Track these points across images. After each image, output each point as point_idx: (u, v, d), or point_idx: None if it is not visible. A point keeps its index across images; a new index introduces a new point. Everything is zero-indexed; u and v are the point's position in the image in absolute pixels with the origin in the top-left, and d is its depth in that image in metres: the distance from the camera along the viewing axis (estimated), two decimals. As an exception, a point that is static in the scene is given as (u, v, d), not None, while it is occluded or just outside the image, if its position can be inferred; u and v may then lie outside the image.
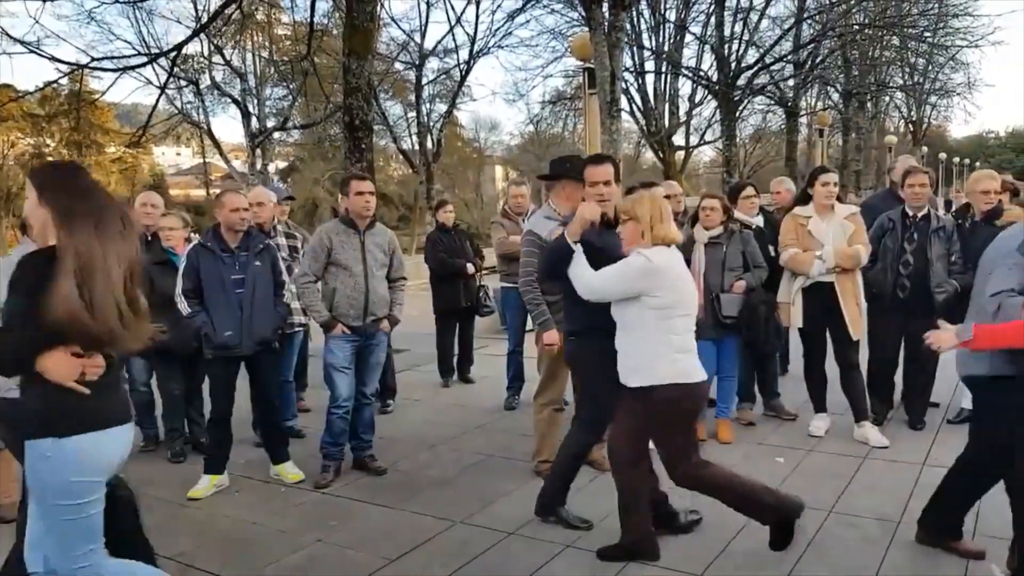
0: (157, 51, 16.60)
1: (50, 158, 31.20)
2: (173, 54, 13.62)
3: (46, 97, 23.78)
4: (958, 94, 34.51)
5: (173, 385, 5.36)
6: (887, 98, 36.97)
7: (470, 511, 4.20)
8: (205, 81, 22.16)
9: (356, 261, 4.78)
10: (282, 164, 34.43)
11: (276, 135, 24.59)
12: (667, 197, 5.32)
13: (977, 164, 39.69)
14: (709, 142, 29.93)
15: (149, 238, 5.48)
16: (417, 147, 25.00)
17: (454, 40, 24.41)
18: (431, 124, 24.47)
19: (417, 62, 23.41)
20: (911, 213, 5.26)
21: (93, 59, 12.90)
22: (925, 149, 41.10)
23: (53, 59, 11.23)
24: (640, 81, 25.66)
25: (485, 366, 7.64)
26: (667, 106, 26.60)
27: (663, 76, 26.23)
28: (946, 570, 3.37)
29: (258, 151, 21.82)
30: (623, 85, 13.92)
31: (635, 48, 24.31)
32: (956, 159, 50.05)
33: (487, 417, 6.21)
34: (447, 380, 7.38)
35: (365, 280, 4.77)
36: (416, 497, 4.50)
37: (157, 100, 16.41)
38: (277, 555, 3.81)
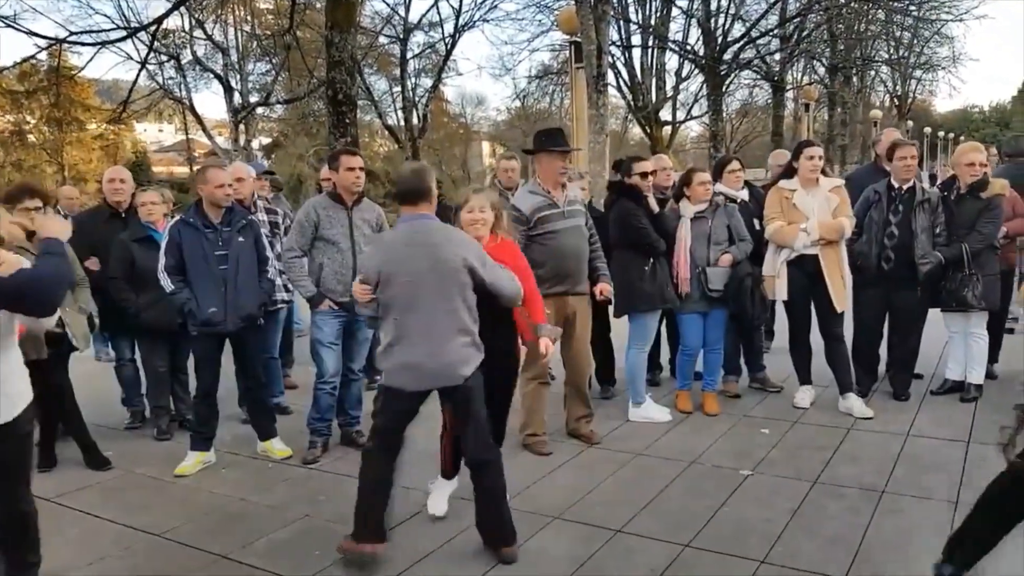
0: (137, 25, 16.33)
1: (31, 136, 30.82)
2: (153, 28, 13.45)
3: (25, 73, 23.36)
4: (943, 68, 34.59)
5: (158, 362, 5.32)
6: (872, 72, 37.02)
7: (459, 483, 4.19)
8: (186, 56, 21.91)
9: (343, 236, 4.73)
10: (266, 140, 34.07)
11: (259, 110, 24.34)
12: (655, 172, 5.36)
13: (961, 138, 39.85)
14: (696, 117, 29.94)
15: (123, 214, 5.42)
16: (403, 122, 24.84)
17: (439, 13, 24.18)
18: (416, 99, 24.31)
19: (402, 36, 23.21)
20: (897, 186, 5.26)
21: (72, 33, 12.71)
22: (910, 123, 41.23)
23: (31, 33, 11.06)
24: (627, 55, 25.56)
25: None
26: (654, 81, 26.53)
27: (650, 50, 26.11)
28: (932, 539, 3.41)
29: (241, 127, 21.60)
30: (610, 59, 13.84)
31: (621, 22, 24.16)
32: (941, 133, 50.25)
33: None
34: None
35: (353, 256, 4.73)
36: (404, 471, 4.46)
37: (137, 75, 16.16)
38: (265, 530, 3.81)
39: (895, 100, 43.08)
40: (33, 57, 14.11)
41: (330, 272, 4.71)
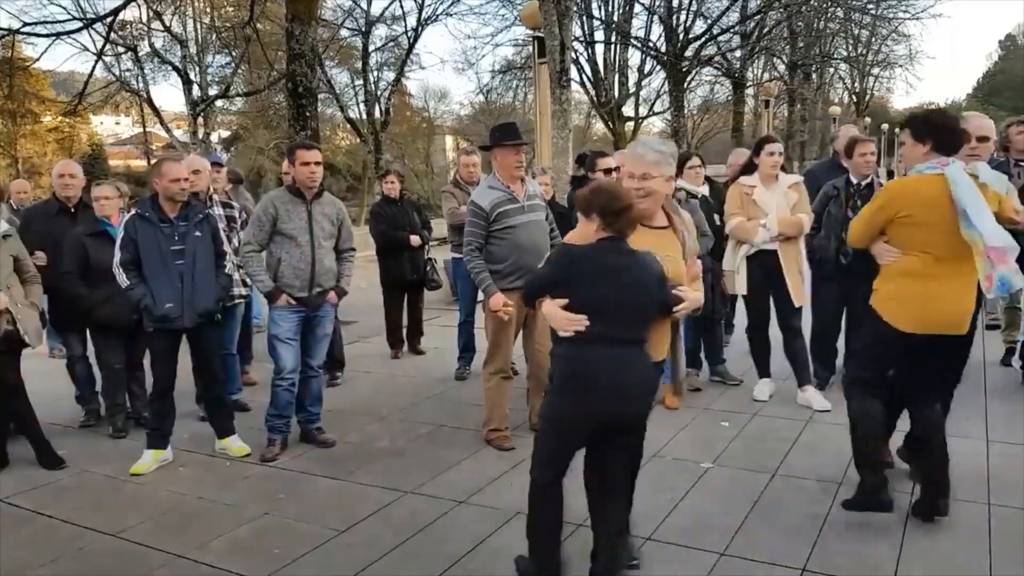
0: (93, 16, 15.96)
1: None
2: (110, 19, 13.16)
3: (-26, 64, 22.70)
4: (900, 66, 35.31)
5: (113, 359, 5.20)
6: (831, 69, 37.65)
7: (420, 481, 4.19)
8: (144, 48, 21.47)
9: (302, 231, 4.66)
10: (225, 133, 33.55)
11: (219, 103, 23.96)
12: (618, 168, 5.37)
13: (917, 135, 40.46)
14: (658, 113, 30.11)
15: (73, 209, 5.30)
16: (365, 116, 24.63)
17: (401, 7, 24.01)
18: (379, 93, 24.13)
19: (364, 29, 23.00)
20: (855, 181, 5.34)
21: (25, 24, 12.41)
22: (868, 120, 41.95)
23: (-20, 23, 10.74)
24: (590, 51, 25.66)
25: (436, 337, 7.59)
26: (617, 76, 26.66)
27: (613, 46, 26.23)
28: (888, 527, 3.47)
29: (200, 120, 21.24)
30: (573, 55, 13.85)
31: (585, 17, 24.23)
32: (898, 129, 51.20)
33: (438, 388, 6.18)
34: (397, 351, 7.30)
35: (312, 251, 4.67)
36: (365, 468, 4.46)
37: (93, 67, 15.92)
38: (224, 529, 3.74)
39: (854, 97, 43.83)
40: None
41: (288, 267, 4.64)
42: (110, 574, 3.39)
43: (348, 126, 27.50)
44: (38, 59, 17.67)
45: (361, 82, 24.93)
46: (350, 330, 7.84)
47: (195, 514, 3.97)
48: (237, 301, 5.56)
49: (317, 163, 4.71)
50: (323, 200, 4.80)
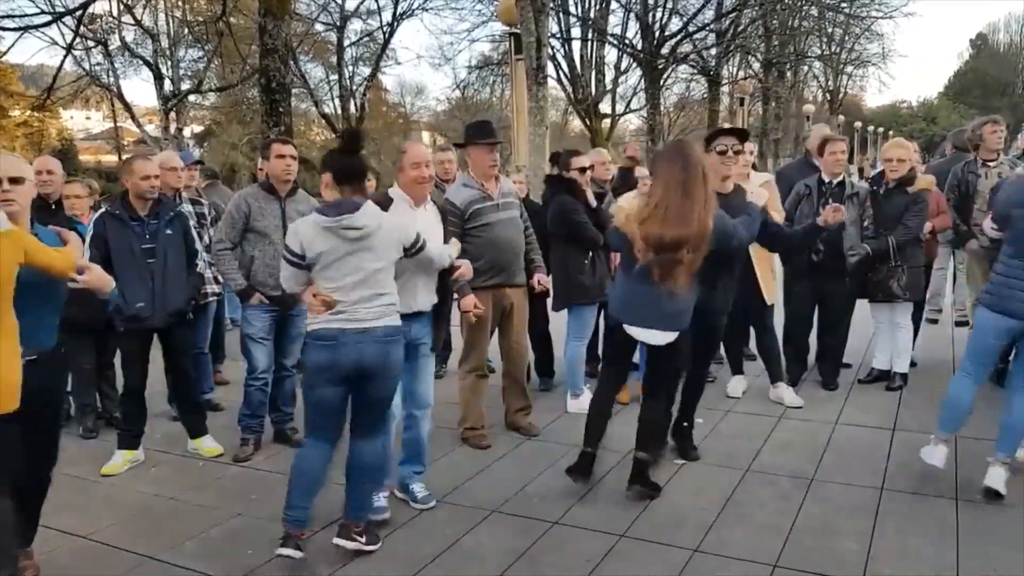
0: (62, 10, 15.71)
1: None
2: (79, 13, 12.97)
3: (-60, 56, 22.24)
4: (873, 64, 35.72)
5: (83, 359, 5.13)
6: (806, 68, 37.99)
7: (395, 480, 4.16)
8: (115, 42, 21.15)
9: (276, 229, 4.63)
10: (198, 128, 33.17)
11: (191, 98, 23.70)
12: (592, 167, 5.39)
13: (890, 133, 41.20)
14: (634, 110, 30.26)
15: (53, 206, 5.22)
16: (340, 111, 24.47)
17: (376, 2, 23.86)
18: (354, 88, 23.98)
19: (338, 23, 22.84)
20: (827, 180, 5.41)
21: (-9, 16, 12.18)
22: (842, 118, 42.42)
23: (-55, 15, 10.54)
24: (567, 48, 25.68)
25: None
26: (593, 73, 26.72)
27: (589, 43, 26.28)
28: (858, 523, 3.53)
29: (172, 115, 20.98)
30: (550, 51, 13.89)
31: (561, 14, 24.25)
32: (871, 127, 51.85)
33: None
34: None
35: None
36: (340, 468, 4.38)
37: (62, 61, 15.64)
38: (196, 530, 3.72)
39: (827, 95, 44.27)
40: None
41: (261, 265, 4.61)
42: (87, 570, 3.36)
43: (323, 121, 27.34)
44: (6, 53, 17.34)
45: (336, 77, 24.80)
46: None
47: (167, 515, 3.94)
48: (210, 299, 5.51)
49: (293, 157, 4.71)
50: (297, 198, 4.77)
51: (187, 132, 26.48)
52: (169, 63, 22.05)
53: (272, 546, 3.40)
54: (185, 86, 22.42)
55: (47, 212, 5.20)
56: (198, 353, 5.36)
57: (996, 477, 3.68)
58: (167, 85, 21.43)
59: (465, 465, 4.41)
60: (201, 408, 4.98)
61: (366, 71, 25.38)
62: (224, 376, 6.25)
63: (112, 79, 21.91)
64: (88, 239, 4.43)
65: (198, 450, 4.76)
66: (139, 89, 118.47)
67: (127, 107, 23.08)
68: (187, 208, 5.34)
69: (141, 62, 21.55)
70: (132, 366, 4.54)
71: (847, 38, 34.89)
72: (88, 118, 40.41)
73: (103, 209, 4.59)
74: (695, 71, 28.84)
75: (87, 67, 21.33)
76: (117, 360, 4.92)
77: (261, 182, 4.80)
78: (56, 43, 17.74)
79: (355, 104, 23.89)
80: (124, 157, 20.81)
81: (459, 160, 6.34)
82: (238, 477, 4.43)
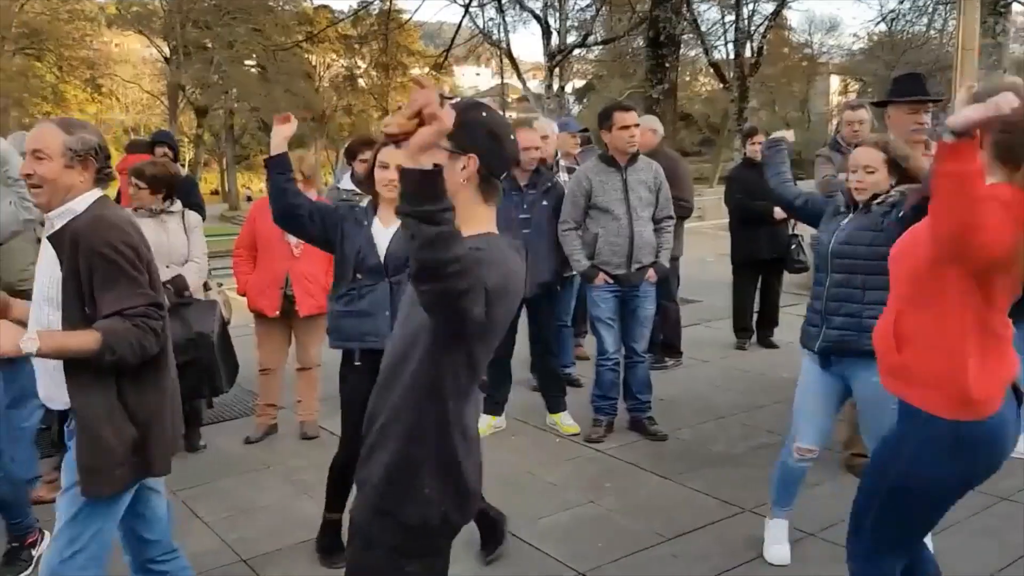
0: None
1: (360, 80, 34.87)
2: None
3: (359, 18, 26.31)
4: None
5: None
6: None
7: (761, 499, 3.88)
8: (508, -4, 22.96)
9: (618, 202, 4.71)
10: (579, 83, 34.99)
11: (575, 52, 24.94)
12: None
13: None
14: None
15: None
16: (732, 57, 23.95)
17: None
18: (752, 29, 23.20)
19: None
20: None
21: (401, -21, 14.00)
22: None
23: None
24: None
25: (793, 329, 7.15)
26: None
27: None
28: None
29: (555, 70, 22.34)
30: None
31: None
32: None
33: (788, 391, 5.74)
34: (743, 342, 7.05)
35: (629, 223, 4.71)
36: (698, 472, 4.43)
37: (462, 19, 17.42)
38: (549, 509, 4.00)
39: None
40: (369, 3, 15.81)
41: (604, 243, 4.72)
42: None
43: (711, 70, 27.01)
44: (415, 13, 19.98)
45: (732, 18, 24.19)
46: (691, 310, 7.68)
47: (523, 488, 4.29)
48: (575, 272, 5.83)
49: (636, 125, 4.74)
50: (638, 165, 4.80)
51: (568, 87, 28.04)
52: (557, 15, 23.41)
53: (618, 544, 3.52)
54: (571, 39, 23.66)
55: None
56: (560, 326, 5.70)
57: None
58: (554, 39, 22.82)
59: (848, 494, 4.06)
60: (561, 382, 5.32)
61: (769, 7, 24.33)
62: (585, 351, 6.58)
63: (502, 34, 23.97)
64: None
65: (556, 425, 5.10)
66: (525, 44, 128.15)
67: (513, 63, 25.10)
68: (563, 177, 5.67)
69: (531, 15, 23.21)
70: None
71: None
72: (477, 75, 44.95)
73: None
74: None
75: (480, 23, 23.58)
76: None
77: (600, 154, 4.90)
78: (455, 1, 19.88)
79: (751, 47, 23.10)
80: (510, 115, 22.76)
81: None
82: (592, 461, 4.66)
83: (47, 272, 2.37)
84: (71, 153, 2.37)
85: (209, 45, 31.48)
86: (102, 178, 2.47)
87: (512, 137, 1.88)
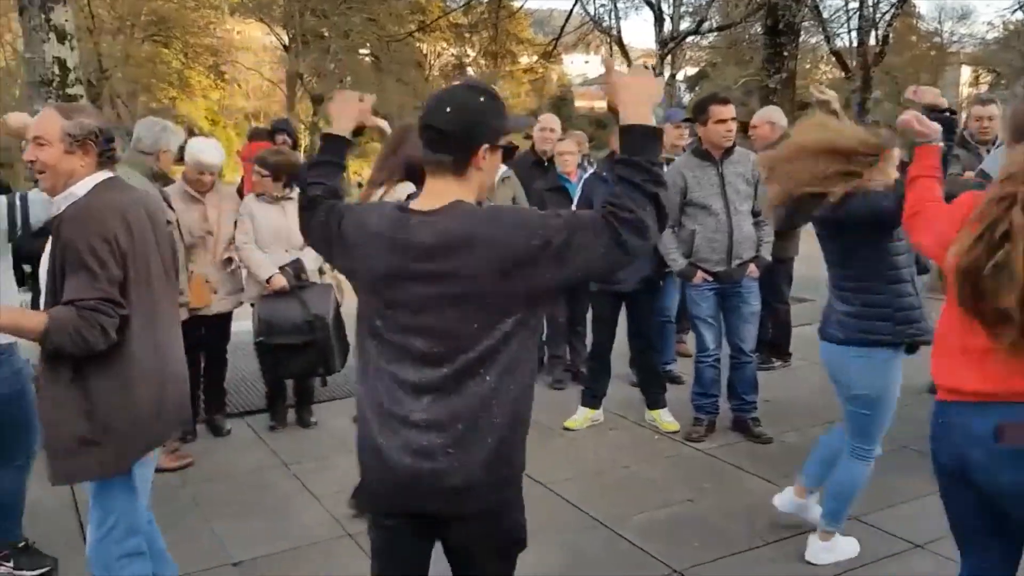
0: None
1: (469, 68, 35.19)
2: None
3: (470, 7, 26.54)
4: None
5: (558, 311, 5.80)
6: None
7: (865, 509, 3.82)
8: (621, -18, 22.75)
9: (716, 197, 4.65)
10: (691, 71, 34.33)
11: (689, 39, 24.49)
12: None
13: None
14: None
15: (546, 163, 5.95)
16: (855, 45, 23.05)
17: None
18: (878, 16, 22.26)
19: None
20: None
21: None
22: None
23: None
24: None
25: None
26: None
27: None
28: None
29: (667, 58, 22.00)
30: None
31: None
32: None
33: (905, 398, 5.41)
34: (859, 344, 6.82)
35: (728, 218, 4.65)
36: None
37: (573, 6, 17.32)
38: (646, 506, 4.02)
39: None
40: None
41: (703, 239, 4.68)
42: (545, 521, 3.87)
43: (832, 58, 26.04)
44: (526, 1, 19.96)
45: (856, 4, 23.27)
46: (803, 309, 7.44)
47: (619, 483, 4.34)
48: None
49: (733, 119, 4.65)
50: (735, 157, 4.72)
51: (680, 75, 27.59)
52: (671, 1, 23.02)
53: (715, 545, 3.52)
54: (684, 25, 23.24)
55: (540, 168, 5.97)
56: (664, 321, 5.70)
57: None
58: (667, 26, 22.46)
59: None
60: (661, 378, 5.33)
61: (898, -7, 23.26)
62: (688, 348, 6.51)
63: (613, 21, 23.77)
64: (575, 200, 4.98)
65: (655, 422, 5.11)
66: (637, 31, 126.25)
67: (623, 51, 24.86)
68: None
69: (643, 2, 22.92)
70: (601, 327, 5.05)
71: None
72: (586, 63, 44.65)
73: (591, 171, 5.09)
74: None
75: (591, 10, 23.44)
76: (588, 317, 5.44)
77: (694, 148, 4.84)
78: (567, -13, 19.75)
79: (876, 36, 22.15)
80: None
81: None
82: (691, 459, 4.65)
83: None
84: (70, 138, 2.39)
85: (326, 34, 32.29)
86: (105, 161, 2.49)
87: None
